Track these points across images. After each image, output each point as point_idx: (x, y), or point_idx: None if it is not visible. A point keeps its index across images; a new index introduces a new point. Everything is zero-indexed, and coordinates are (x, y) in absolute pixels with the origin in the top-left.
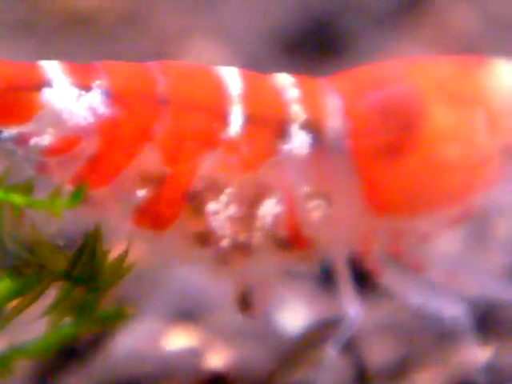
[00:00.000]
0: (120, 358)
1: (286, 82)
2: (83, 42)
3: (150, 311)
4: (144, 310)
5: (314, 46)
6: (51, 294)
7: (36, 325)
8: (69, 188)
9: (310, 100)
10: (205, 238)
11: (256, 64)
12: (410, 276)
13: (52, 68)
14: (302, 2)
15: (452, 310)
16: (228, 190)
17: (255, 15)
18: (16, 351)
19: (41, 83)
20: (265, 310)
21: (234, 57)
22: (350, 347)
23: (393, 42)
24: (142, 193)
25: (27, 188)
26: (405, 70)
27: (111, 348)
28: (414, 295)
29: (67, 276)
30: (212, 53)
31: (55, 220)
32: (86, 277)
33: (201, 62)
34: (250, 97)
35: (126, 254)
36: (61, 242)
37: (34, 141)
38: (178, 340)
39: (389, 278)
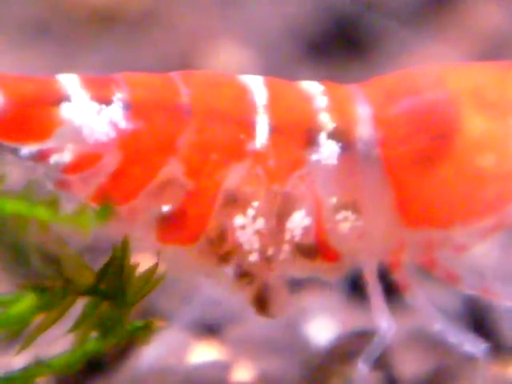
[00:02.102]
0: (145, 370)
1: (314, 90)
2: (103, 42)
3: (175, 324)
4: (169, 323)
5: (338, 47)
6: (77, 310)
7: (62, 340)
8: (91, 205)
9: (338, 108)
10: (230, 253)
11: (280, 65)
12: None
13: (70, 82)
14: (326, 3)
15: (471, 347)
16: (255, 204)
17: (279, 16)
18: (41, 366)
19: (59, 98)
20: (284, 311)
21: (258, 58)
22: (381, 360)
23: (418, 41)
24: (166, 208)
25: (53, 202)
26: (438, 76)
27: (136, 361)
28: (435, 321)
29: (94, 291)
30: (235, 53)
31: (81, 234)
32: (113, 291)
33: (224, 62)
34: (277, 106)
35: (154, 268)
36: (87, 257)
37: (54, 158)
38: (204, 353)
39: (415, 296)
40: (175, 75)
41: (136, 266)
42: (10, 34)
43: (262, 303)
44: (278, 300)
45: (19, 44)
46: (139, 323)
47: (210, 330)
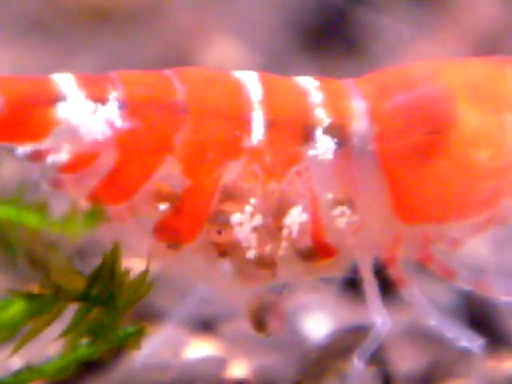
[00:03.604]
0: (140, 366)
1: (309, 86)
2: (100, 38)
3: (171, 320)
4: (165, 319)
5: (333, 41)
6: (71, 314)
7: (53, 345)
8: (87, 204)
9: (334, 103)
10: (227, 251)
11: (275, 60)
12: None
13: (66, 81)
14: None
15: (467, 342)
16: (252, 200)
17: (274, 10)
18: (32, 371)
19: (55, 98)
20: (282, 325)
21: (254, 52)
22: (376, 356)
23: (413, 37)
24: (163, 207)
25: (42, 207)
26: (433, 71)
27: (131, 357)
28: (431, 316)
29: (85, 297)
30: (231, 48)
31: (70, 240)
32: (104, 297)
33: (220, 57)
34: (272, 102)
35: (146, 273)
36: (78, 262)
37: (50, 158)
38: (200, 349)
39: (411, 292)
40: (170, 72)
41: (127, 271)
42: (7, 31)
43: (259, 323)
44: (275, 319)
45: (16, 41)
46: (131, 329)
47: (205, 325)
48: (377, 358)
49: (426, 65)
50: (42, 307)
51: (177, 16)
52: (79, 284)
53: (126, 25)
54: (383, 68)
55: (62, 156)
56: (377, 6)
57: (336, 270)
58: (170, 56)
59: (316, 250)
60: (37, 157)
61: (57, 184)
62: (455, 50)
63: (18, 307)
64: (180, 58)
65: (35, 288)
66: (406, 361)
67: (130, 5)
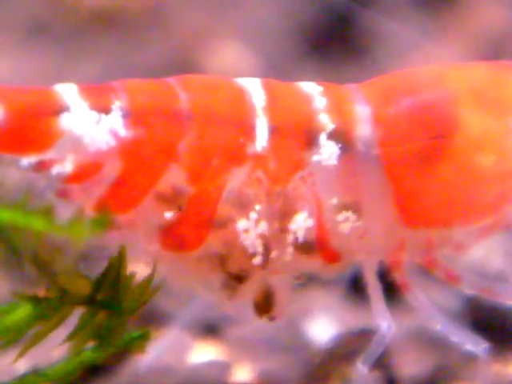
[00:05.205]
0: (144, 371)
1: (312, 91)
2: (103, 42)
3: (176, 324)
4: (170, 324)
5: (338, 46)
6: (74, 319)
7: (58, 349)
8: (92, 214)
9: (337, 109)
10: (234, 257)
11: (280, 65)
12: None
13: (69, 92)
14: (327, 2)
15: (472, 346)
16: (257, 207)
17: (278, 15)
18: (37, 375)
19: (59, 109)
20: (285, 312)
21: (258, 57)
22: (380, 360)
23: (418, 41)
24: (168, 214)
25: (48, 211)
26: (437, 76)
27: (136, 361)
28: (436, 321)
29: (90, 301)
30: (235, 53)
31: (75, 244)
32: (109, 301)
33: (224, 62)
34: (275, 108)
35: (151, 278)
36: (84, 266)
37: (55, 168)
38: (204, 353)
39: (416, 296)
40: (173, 80)
41: (133, 275)
42: (10, 35)
43: (263, 305)
44: (279, 303)
45: (19, 45)
46: (136, 333)
47: (209, 329)
48: (381, 363)
49: (430, 69)
50: (47, 311)
51: (181, 20)
52: (85, 288)
53: (129, 29)
54: (387, 72)
55: (67, 167)
56: (382, 11)
57: (338, 273)
58: (174, 60)
59: (318, 251)
60: (41, 168)
61: (62, 194)
62: (461, 54)
63: (23, 311)
64: (184, 62)
65: (41, 292)
66: (411, 365)
67: (134, 9)
